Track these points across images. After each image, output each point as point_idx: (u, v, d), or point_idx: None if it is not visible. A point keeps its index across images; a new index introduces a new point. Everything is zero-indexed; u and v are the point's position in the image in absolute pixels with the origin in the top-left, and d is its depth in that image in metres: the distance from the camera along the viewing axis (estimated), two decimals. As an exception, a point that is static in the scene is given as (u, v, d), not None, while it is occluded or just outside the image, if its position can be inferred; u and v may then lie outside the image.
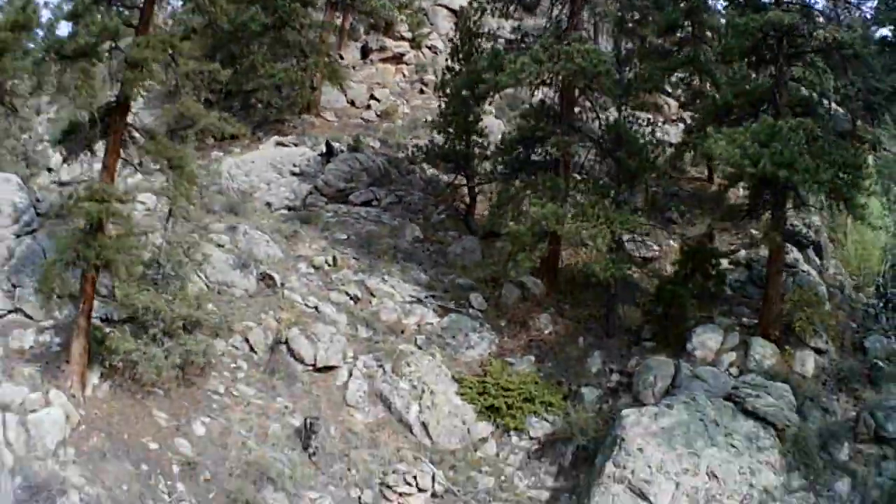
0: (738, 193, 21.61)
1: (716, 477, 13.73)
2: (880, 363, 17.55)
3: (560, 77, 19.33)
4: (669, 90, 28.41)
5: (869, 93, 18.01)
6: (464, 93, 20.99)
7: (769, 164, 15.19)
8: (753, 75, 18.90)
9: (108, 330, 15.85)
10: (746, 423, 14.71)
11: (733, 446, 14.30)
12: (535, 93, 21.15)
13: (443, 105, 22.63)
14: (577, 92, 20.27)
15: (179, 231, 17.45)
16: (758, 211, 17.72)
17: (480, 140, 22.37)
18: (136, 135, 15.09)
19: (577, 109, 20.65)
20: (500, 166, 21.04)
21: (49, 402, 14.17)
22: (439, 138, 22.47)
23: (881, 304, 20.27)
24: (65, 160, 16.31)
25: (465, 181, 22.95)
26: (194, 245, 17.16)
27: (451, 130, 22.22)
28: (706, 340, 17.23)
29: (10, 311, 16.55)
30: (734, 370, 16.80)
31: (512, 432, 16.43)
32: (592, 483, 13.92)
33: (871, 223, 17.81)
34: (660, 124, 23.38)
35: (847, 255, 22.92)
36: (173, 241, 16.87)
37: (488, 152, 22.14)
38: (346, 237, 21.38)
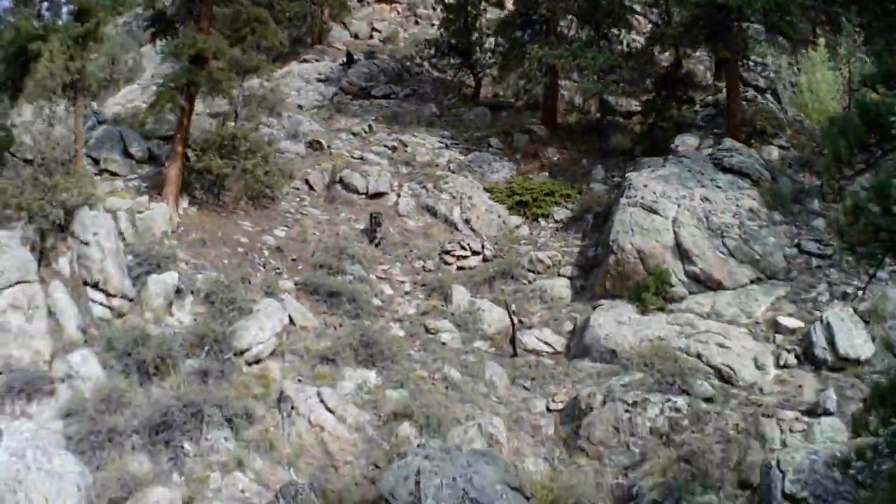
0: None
1: (709, 200, 17.26)
2: (842, 169, 21.12)
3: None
4: (639, 9, 32.74)
5: (825, 3, 21.84)
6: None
7: None
8: None
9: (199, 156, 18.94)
10: (726, 176, 18.35)
11: (718, 187, 17.91)
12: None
13: (443, 13, 26.59)
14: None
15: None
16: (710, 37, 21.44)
17: (480, 35, 26.24)
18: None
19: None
20: (500, 47, 24.94)
21: (151, 208, 16.95)
22: (445, 35, 26.32)
23: None
24: (153, 38, 19.93)
25: (469, 71, 26.71)
26: (270, 93, 20.56)
27: (455, 28, 26.10)
28: (686, 140, 20.91)
29: (96, 173, 19.48)
30: (711, 157, 20.50)
31: (540, 219, 19.95)
32: (612, 213, 17.43)
33: (796, 37, 21.60)
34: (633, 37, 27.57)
35: (809, 116, 26.57)
36: (250, 90, 20.31)
37: (487, 44, 26.04)
38: (374, 118, 24.93)
